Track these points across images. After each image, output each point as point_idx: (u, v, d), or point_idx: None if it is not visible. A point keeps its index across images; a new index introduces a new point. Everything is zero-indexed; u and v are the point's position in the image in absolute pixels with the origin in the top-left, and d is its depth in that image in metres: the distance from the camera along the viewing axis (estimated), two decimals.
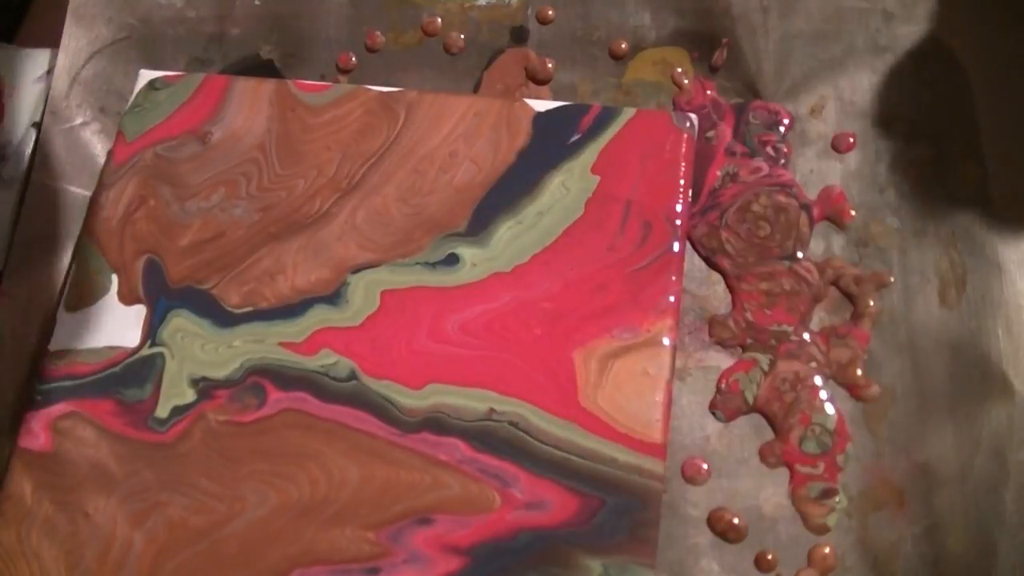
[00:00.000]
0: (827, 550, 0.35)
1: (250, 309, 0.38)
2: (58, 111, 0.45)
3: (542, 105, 0.41)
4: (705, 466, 0.37)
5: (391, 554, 0.35)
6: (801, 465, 0.36)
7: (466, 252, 0.38)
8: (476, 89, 0.44)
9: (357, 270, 0.39)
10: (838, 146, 0.41)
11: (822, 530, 0.36)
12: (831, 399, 0.37)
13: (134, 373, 0.38)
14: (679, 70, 0.43)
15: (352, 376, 0.37)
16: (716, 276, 0.40)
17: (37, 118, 0.45)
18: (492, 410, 0.36)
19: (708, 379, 0.38)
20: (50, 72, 0.46)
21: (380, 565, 0.35)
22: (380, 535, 0.35)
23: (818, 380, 0.37)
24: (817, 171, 0.41)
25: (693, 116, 0.40)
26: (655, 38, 0.43)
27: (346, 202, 0.40)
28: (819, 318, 0.38)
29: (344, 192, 0.40)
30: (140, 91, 0.43)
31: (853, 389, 0.37)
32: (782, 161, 0.41)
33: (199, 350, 0.38)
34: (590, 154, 0.39)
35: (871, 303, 0.38)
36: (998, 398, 0.37)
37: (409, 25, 0.45)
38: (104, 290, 0.39)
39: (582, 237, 0.38)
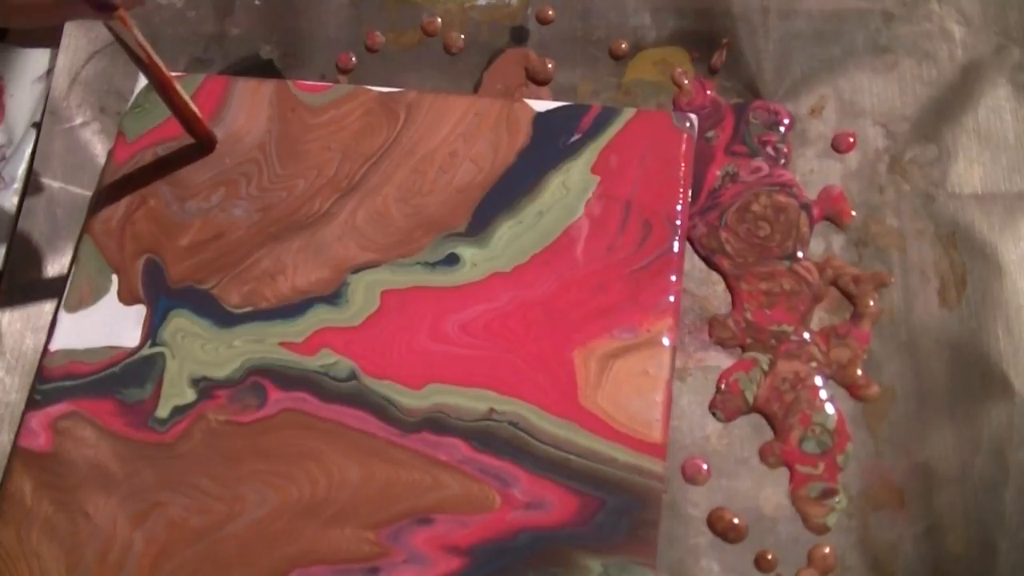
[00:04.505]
0: (827, 550, 0.35)
1: (250, 309, 0.38)
2: (58, 111, 0.45)
3: (542, 105, 0.41)
4: (705, 466, 0.37)
5: (391, 554, 0.35)
6: (801, 465, 0.36)
7: (466, 252, 0.38)
8: (476, 89, 0.44)
9: (357, 270, 0.39)
10: (838, 146, 0.41)
11: (822, 530, 0.36)
12: (831, 399, 0.37)
13: (134, 373, 0.38)
14: (679, 70, 0.43)
15: (352, 376, 0.37)
16: (716, 276, 0.40)
17: (37, 118, 0.45)
18: (492, 410, 0.36)
19: (708, 379, 0.38)
20: (50, 72, 0.46)
21: (380, 565, 0.35)
22: (380, 535, 0.35)
23: (818, 380, 0.37)
24: (817, 171, 0.41)
25: (693, 116, 0.40)
26: (655, 38, 0.43)
27: (346, 202, 0.40)
28: (819, 318, 0.38)
29: (344, 192, 0.40)
30: (140, 91, 0.43)
31: (853, 389, 0.37)
32: (782, 161, 0.41)
33: (199, 350, 0.38)
34: (590, 154, 0.39)
35: (871, 303, 0.38)
36: (998, 398, 0.37)
37: (409, 25, 0.45)
38: (104, 290, 0.39)
39: (582, 237, 0.38)
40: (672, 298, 0.37)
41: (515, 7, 0.45)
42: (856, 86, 0.42)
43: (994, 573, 0.35)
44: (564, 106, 0.41)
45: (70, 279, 0.40)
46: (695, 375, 0.38)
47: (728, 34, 0.43)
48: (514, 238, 0.38)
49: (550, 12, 0.44)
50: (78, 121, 0.45)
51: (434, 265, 0.38)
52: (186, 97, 0.39)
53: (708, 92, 0.42)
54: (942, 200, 0.40)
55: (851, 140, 0.41)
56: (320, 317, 0.38)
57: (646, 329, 0.36)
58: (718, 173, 0.41)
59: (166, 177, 0.41)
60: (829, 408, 0.37)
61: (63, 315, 0.39)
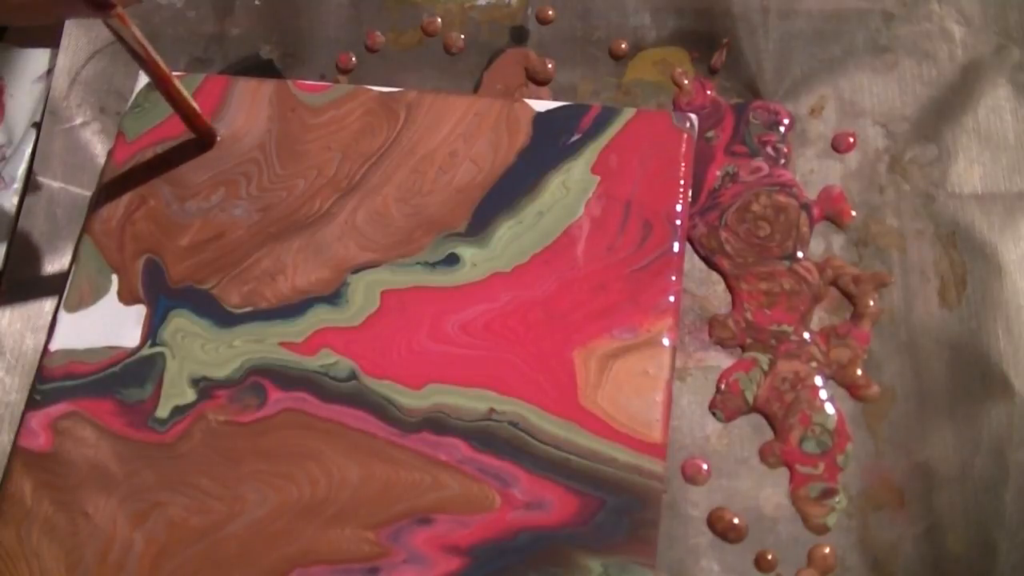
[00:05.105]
0: (827, 550, 0.35)
1: (250, 309, 0.38)
2: (58, 111, 0.45)
3: (542, 105, 0.41)
4: (705, 466, 0.37)
5: (391, 554, 0.35)
6: (801, 465, 0.36)
7: (466, 252, 0.38)
8: (476, 89, 0.44)
9: (357, 270, 0.39)
10: (838, 146, 0.41)
11: (822, 530, 0.36)
12: (831, 399, 0.37)
13: (134, 373, 0.38)
14: (679, 70, 0.43)
15: (352, 376, 0.37)
16: (716, 276, 0.40)
17: (37, 118, 0.45)
18: (492, 410, 0.36)
19: (708, 379, 0.38)
20: (50, 72, 0.46)
21: (380, 565, 0.35)
22: (380, 535, 0.35)
23: (818, 380, 0.37)
24: (817, 171, 0.41)
25: (693, 116, 0.40)
26: (655, 38, 0.43)
27: (346, 202, 0.40)
28: (819, 318, 0.38)
29: (344, 192, 0.40)
30: (140, 91, 0.43)
31: (853, 389, 0.37)
32: (782, 161, 0.41)
33: (199, 350, 0.38)
34: (590, 154, 0.39)
35: (871, 303, 0.38)
36: (998, 398, 0.37)
37: (409, 25, 0.45)
38: (104, 290, 0.39)
39: (582, 237, 0.38)
40: (672, 298, 0.37)
41: (515, 7, 0.45)
42: (856, 86, 0.42)
43: (994, 573, 0.35)
44: (564, 106, 0.41)
45: (70, 279, 0.40)
46: (695, 375, 0.38)
47: (728, 34, 0.43)
48: (514, 238, 0.38)
49: (550, 12, 0.44)
50: (78, 121, 0.45)
51: (434, 265, 0.38)
52: (185, 93, 0.39)
53: (708, 92, 0.42)
54: (942, 200, 0.40)
55: (851, 140, 0.41)
56: (320, 317, 0.38)
57: (646, 329, 0.36)
58: (718, 173, 0.41)
59: (166, 177, 0.41)
60: (829, 408, 0.37)
61: (63, 315, 0.39)
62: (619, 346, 0.36)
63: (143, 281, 0.39)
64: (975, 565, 0.35)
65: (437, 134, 0.40)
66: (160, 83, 0.38)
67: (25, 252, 0.42)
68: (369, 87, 0.42)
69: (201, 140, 0.41)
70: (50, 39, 0.46)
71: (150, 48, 0.36)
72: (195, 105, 0.39)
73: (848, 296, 0.39)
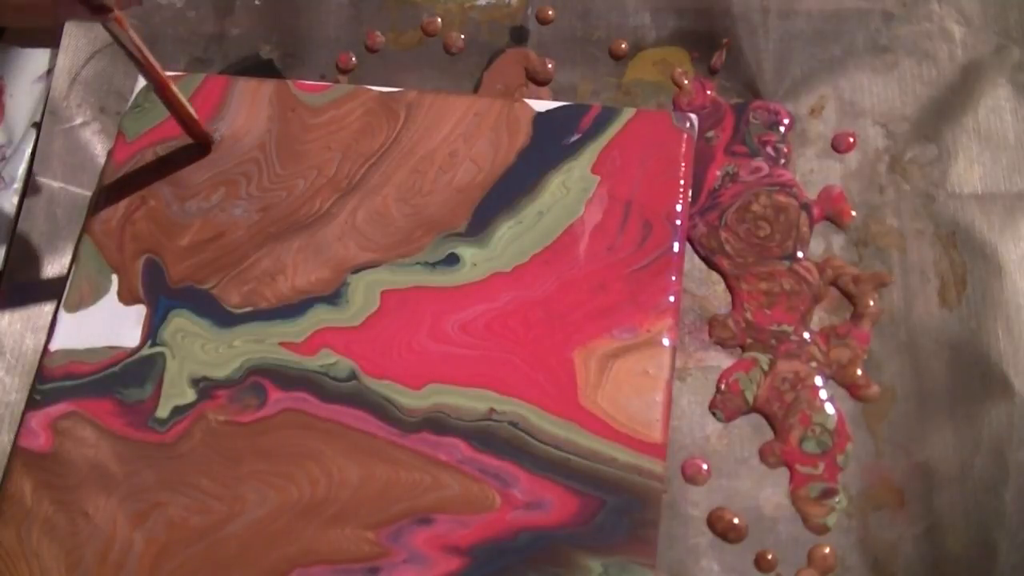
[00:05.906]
0: (827, 550, 0.35)
1: (250, 309, 0.38)
2: (58, 111, 0.45)
3: (542, 105, 0.41)
4: (705, 466, 0.37)
5: (391, 554, 0.35)
6: (801, 465, 0.36)
7: (466, 252, 0.38)
8: (476, 89, 0.44)
9: (357, 270, 0.39)
10: (838, 146, 0.41)
11: (822, 530, 0.36)
12: (831, 399, 0.37)
13: (134, 373, 0.38)
14: (679, 70, 0.43)
15: (352, 376, 0.37)
16: (716, 276, 0.40)
17: (37, 118, 0.45)
18: (492, 410, 0.36)
19: (708, 379, 0.38)
20: (50, 72, 0.46)
21: (380, 565, 0.35)
22: (380, 535, 0.35)
23: (818, 380, 0.37)
24: (817, 171, 0.41)
25: (693, 116, 0.40)
26: (655, 38, 0.43)
27: (346, 202, 0.40)
28: (819, 318, 0.38)
29: (344, 192, 0.40)
30: (140, 91, 0.43)
31: (853, 389, 0.37)
32: (782, 161, 0.41)
33: (199, 350, 0.38)
34: (590, 154, 0.39)
35: (871, 303, 0.38)
36: (998, 398, 0.37)
37: (409, 25, 0.45)
38: (104, 290, 0.39)
39: (582, 237, 0.38)
40: (672, 298, 0.37)
41: (515, 7, 0.45)
42: (856, 86, 0.42)
43: (994, 573, 0.35)
44: (564, 106, 0.41)
45: (70, 279, 0.40)
46: (695, 375, 0.38)
47: (728, 34, 0.43)
48: (514, 238, 0.38)
49: (550, 12, 0.44)
50: (78, 121, 0.45)
51: (434, 265, 0.38)
52: (182, 97, 0.39)
53: (708, 92, 0.42)
54: (942, 200, 0.40)
55: (851, 140, 0.41)
56: (320, 317, 0.38)
57: (646, 329, 0.36)
58: (718, 173, 0.41)
59: (166, 177, 0.41)
60: (829, 408, 0.37)
61: (63, 315, 0.39)
62: (619, 346, 0.36)
63: (143, 281, 0.39)
64: (975, 565, 0.35)
65: (437, 134, 0.40)
66: (158, 87, 0.38)
67: (25, 252, 0.42)
68: (369, 87, 0.42)
69: (198, 145, 0.41)
70: (50, 39, 0.46)
71: (147, 52, 0.36)
72: (192, 110, 0.39)
73: (848, 296, 0.39)
